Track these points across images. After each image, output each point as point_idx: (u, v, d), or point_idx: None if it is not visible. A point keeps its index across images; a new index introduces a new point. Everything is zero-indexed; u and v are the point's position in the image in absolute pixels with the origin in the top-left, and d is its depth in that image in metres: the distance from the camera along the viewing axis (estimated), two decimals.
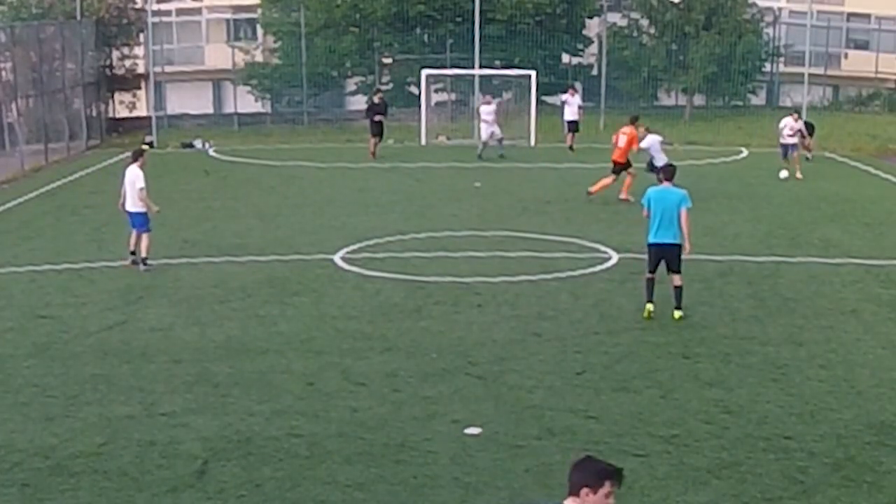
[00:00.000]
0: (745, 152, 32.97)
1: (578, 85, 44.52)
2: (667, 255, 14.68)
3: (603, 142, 35.19)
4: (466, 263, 18.06)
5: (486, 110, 31.82)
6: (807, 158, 30.65)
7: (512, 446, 10.45)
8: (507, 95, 40.82)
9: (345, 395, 11.88)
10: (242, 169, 30.10)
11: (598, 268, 17.75)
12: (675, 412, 11.37)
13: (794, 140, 28.67)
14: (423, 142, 34.73)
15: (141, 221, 17.83)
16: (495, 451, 10.35)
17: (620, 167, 24.21)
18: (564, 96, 34.43)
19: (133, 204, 17.89)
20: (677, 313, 14.65)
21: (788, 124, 28.64)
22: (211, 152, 33.68)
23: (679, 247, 14.70)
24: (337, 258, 18.40)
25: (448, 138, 36.06)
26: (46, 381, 12.34)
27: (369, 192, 25.50)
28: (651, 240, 14.76)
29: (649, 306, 14.68)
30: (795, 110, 30.47)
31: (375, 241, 19.74)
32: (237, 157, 32.38)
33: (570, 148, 32.77)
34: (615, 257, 18.41)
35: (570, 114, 33.42)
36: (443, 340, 13.85)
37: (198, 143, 35.06)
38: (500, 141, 31.81)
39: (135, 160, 18.19)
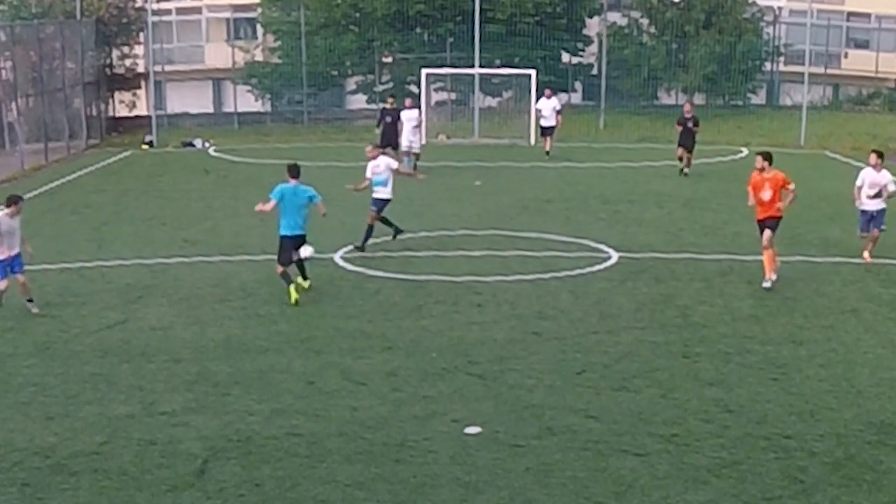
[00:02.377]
0: (745, 152, 32.95)
1: (578, 84, 44.73)
2: (296, 243, 15.59)
3: (602, 141, 35.35)
4: (466, 262, 18.06)
5: (409, 116, 27.85)
6: (684, 173, 27.31)
7: (512, 445, 10.45)
8: (507, 94, 40.85)
9: (345, 395, 11.88)
10: (242, 168, 30.11)
11: (598, 267, 17.75)
12: (675, 411, 11.37)
13: (880, 205, 17.85)
14: (423, 141, 34.70)
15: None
16: (495, 450, 10.35)
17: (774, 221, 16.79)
18: (539, 101, 32.47)
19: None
20: (306, 283, 15.95)
21: (868, 179, 17.92)
22: (211, 151, 33.69)
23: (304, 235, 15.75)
24: (336, 257, 18.40)
25: (448, 137, 36.09)
26: (46, 381, 12.34)
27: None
28: (285, 233, 15.66)
29: (294, 291, 15.40)
30: (876, 151, 18.40)
31: (374, 240, 19.73)
32: (237, 156, 32.39)
33: (547, 153, 31.63)
34: (615, 257, 18.41)
35: (547, 118, 31.72)
36: (443, 340, 13.85)
37: (198, 143, 35.11)
38: (416, 156, 27.87)
39: (8, 206, 15.21)
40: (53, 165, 30.69)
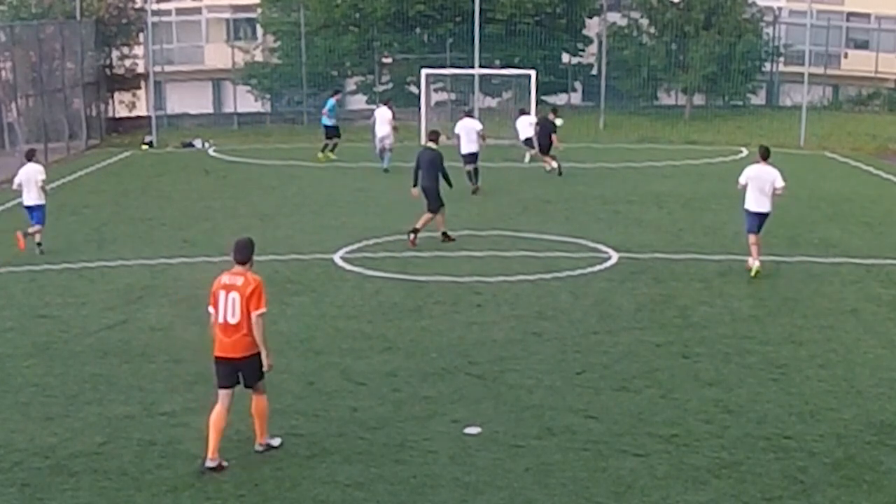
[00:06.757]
0: (744, 152, 32.94)
1: (578, 84, 44.72)
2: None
3: (602, 141, 35.37)
4: (466, 263, 18.07)
5: None
6: (551, 169, 27.45)
7: (512, 446, 10.45)
8: (507, 95, 40.84)
9: (345, 395, 11.89)
10: (242, 168, 30.10)
11: (598, 267, 17.75)
12: (674, 412, 11.37)
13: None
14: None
15: None
16: (495, 450, 10.35)
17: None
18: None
19: None
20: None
21: None
22: (211, 152, 33.69)
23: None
24: (336, 258, 18.40)
25: (448, 138, 36.00)
26: (46, 381, 12.34)
27: (369, 192, 25.50)
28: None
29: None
30: None
31: (375, 240, 19.74)
32: (237, 156, 32.38)
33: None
34: (615, 257, 18.42)
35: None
36: (443, 340, 13.85)
37: (197, 143, 35.09)
38: None
39: None
40: (53, 166, 30.62)
